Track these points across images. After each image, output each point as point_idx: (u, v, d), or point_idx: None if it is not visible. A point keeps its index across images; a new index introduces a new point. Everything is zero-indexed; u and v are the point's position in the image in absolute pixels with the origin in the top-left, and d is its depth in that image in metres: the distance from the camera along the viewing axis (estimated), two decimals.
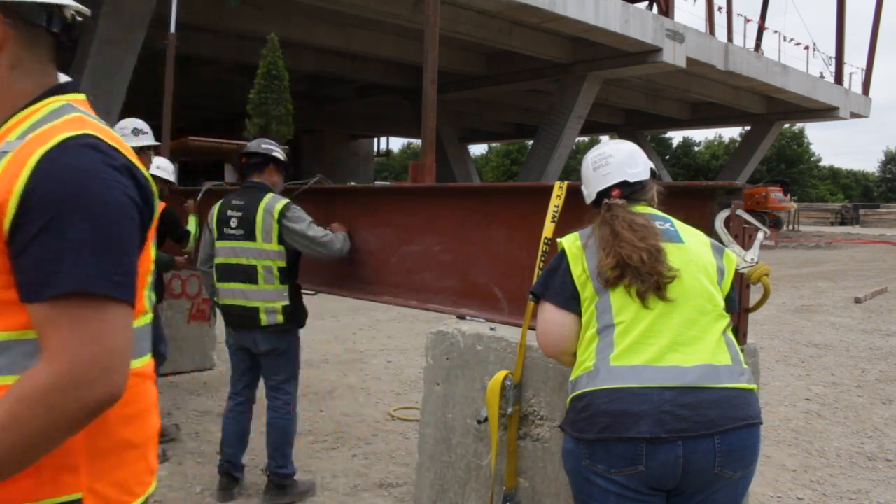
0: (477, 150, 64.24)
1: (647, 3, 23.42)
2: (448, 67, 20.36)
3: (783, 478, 4.21)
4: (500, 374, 2.52)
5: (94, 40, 13.20)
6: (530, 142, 31.05)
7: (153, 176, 5.38)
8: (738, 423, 1.75)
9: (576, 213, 2.66)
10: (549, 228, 2.58)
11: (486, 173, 60.97)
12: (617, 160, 2.10)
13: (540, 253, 2.57)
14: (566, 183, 2.65)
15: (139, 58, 14.13)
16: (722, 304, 1.89)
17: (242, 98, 10.58)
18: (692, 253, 1.91)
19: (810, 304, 10.92)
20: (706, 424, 1.72)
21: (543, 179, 22.01)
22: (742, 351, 1.92)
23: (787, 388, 6.18)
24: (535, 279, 2.55)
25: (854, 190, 67.79)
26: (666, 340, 1.78)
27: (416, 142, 54.27)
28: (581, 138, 52.30)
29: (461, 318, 3.10)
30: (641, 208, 2.02)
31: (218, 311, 3.93)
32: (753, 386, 1.84)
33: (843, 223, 44.66)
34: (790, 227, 33.09)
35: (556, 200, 2.61)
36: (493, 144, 61.44)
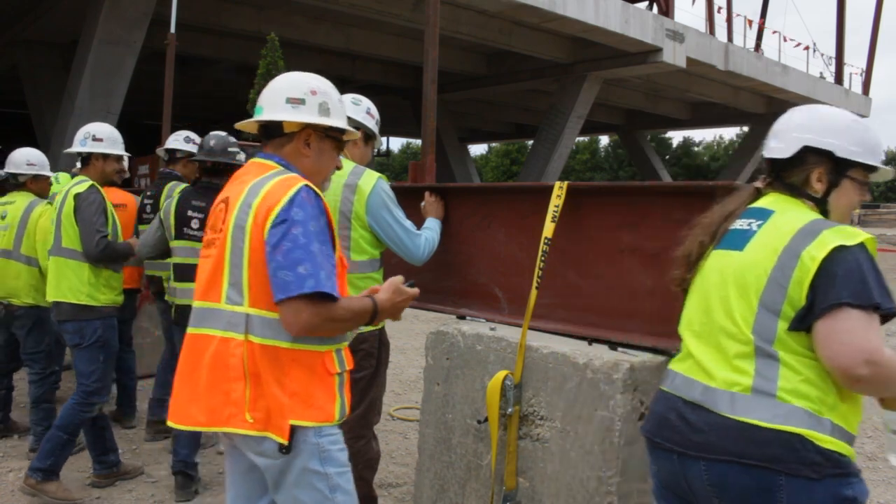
0: (477, 150, 64.18)
1: (647, 3, 23.41)
2: (448, 67, 20.35)
3: None
4: (500, 374, 2.52)
5: (94, 40, 13.20)
6: (530, 142, 31.04)
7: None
8: (726, 457, 1.61)
9: (576, 212, 2.66)
10: (549, 228, 2.58)
11: (486, 173, 60.95)
12: (774, 129, 1.84)
13: (540, 253, 2.57)
14: (566, 183, 2.64)
15: (139, 58, 14.13)
16: (750, 326, 1.65)
17: (242, 98, 10.60)
18: (740, 265, 1.71)
19: None
20: (694, 446, 1.67)
21: (543, 179, 22.01)
22: (795, 388, 1.59)
23: None
24: (535, 279, 2.55)
25: None
26: (699, 352, 1.75)
27: (416, 142, 54.25)
28: (581, 138, 52.26)
29: (461, 318, 3.11)
30: (765, 199, 1.80)
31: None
32: (776, 426, 1.57)
33: None
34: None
35: (556, 200, 2.61)
36: (493, 144, 61.43)
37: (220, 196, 2.05)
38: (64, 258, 3.73)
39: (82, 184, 3.81)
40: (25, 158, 4.57)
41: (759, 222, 1.74)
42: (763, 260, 1.66)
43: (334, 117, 2.05)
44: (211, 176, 3.77)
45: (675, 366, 1.83)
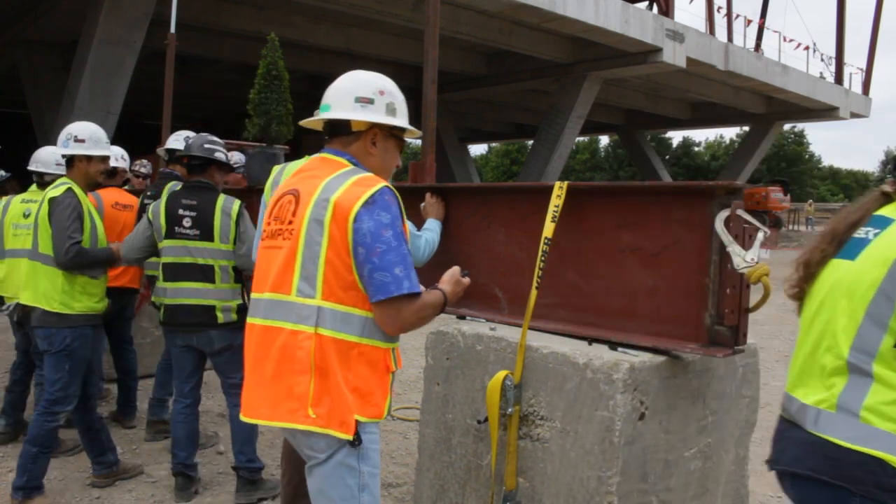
0: (477, 150, 64.22)
1: (647, 3, 23.40)
2: (448, 67, 20.34)
3: None
4: (500, 374, 2.52)
5: (94, 40, 13.19)
6: (530, 142, 31.02)
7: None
8: (806, 472, 1.62)
9: (576, 212, 2.66)
10: (549, 228, 2.58)
11: (486, 173, 60.94)
12: None
13: (540, 253, 2.57)
14: (566, 183, 2.64)
15: (139, 58, 14.12)
16: (850, 340, 1.59)
17: (242, 98, 10.61)
18: (850, 276, 1.65)
19: None
20: (785, 461, 1.69)
21: (543, 179, 22.00)
22: (879, 409, 1.54)
23: None
24: (535, 279, 2.55)
25: (854, 190, 67.72)
26: (802, 369, 1.73)
27: (416, 142, 54.25)
28: (581, 138, 52.19)
29: (461, 318, 3.10)
30: (891, 206, 1.72)
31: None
32: (854, 446, 1.54)
33: None
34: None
35: (556, 200, 2.61)
36: (493, 144, 61.42)
37: (286, 188, 2.08)
38: (40, 263, 3.64)
39: (60, 187, 3.69)
40: (55, 158, 4.48)
41: (877, 231, 1.67)
42: (872, 270, 1.59)
43: (399, 117, 2.14)
44: (198, 174, 3.77)
45: (787, 386, 1.80)
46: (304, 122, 2.26)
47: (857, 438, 1.54)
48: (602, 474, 2.29)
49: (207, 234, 3.60)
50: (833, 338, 1.62)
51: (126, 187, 5.42)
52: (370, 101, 2.06)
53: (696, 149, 61.67)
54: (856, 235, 1.71)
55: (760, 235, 2.25)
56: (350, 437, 1.87)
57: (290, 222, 1.97)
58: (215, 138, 3.88)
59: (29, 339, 4.48)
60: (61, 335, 3.58)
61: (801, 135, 58.40)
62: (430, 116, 6.33)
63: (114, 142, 5.32)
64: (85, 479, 3.98)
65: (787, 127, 47.86)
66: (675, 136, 60.81)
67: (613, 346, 2.49)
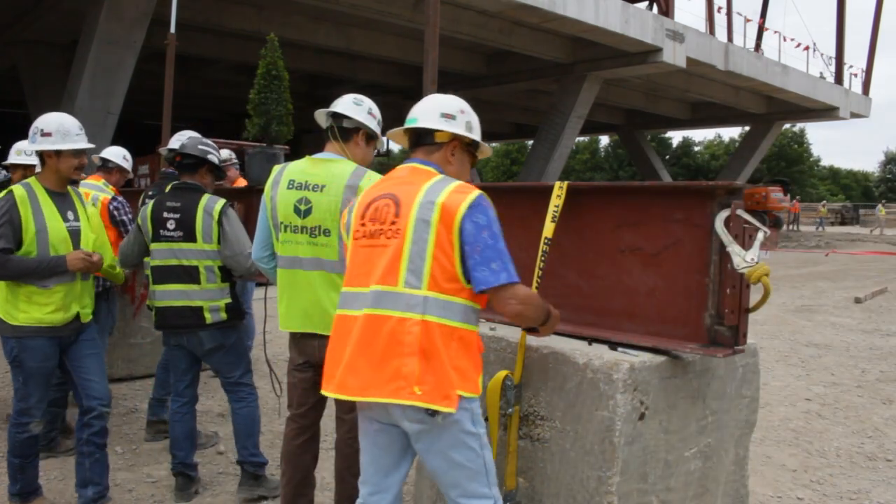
0: None
1: (647, 3, 23.40)
2: (448, 67, 20.32)
3: (783, 478, 4.22)
4: (500, 374, 2.52)
5: (94, 40, 13.19)
6: (530, 142, 31.00)
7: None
8: None
9: (576, 212, 2.67)
10: (549, 228, 2.58)
11: (486, 173, 60.94)
12: None
13: (540, 253, 2.57)
14: (566, 183, 2.65)
15: (139, 58, 14.12)
16: None
17: (242, 98, 10.63)
18: None
19: (810, 304, 10.91)
20: None
21: (543, 179, 21.99)
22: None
23: (787, 388, 6.18)
24: (535, 279, 2.56)
25: (854, 190, 67.75)
26: None
27: None
28: (581, 138, 52.18)
29: None
30: None
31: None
32: None
33: (843, 223, 44.70)
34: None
35: (556, 200, 2.61)
36: (493, 144, 61.40)
37: (378, 192, 2.31)
38: None
39: (7, 189, 3.37)
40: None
41: None
42: None
43: (475, 134, 2.42)
44: (188, 175, 3.75)
45: None
46: (390, 133, 2.56)
47: None
48: (602, 474, 2.29)
49: (190, 235, 3.59)
50: None
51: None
52: (452, 117, 2.35)
53: (695, 149, 61.66)
54: None
55: (760, 235, 2.25)
56: (453, 411, 2.07)
57: (394, 223, 2.20)
58: (209, 141, 3.89)
59: None
60: (9, 345, 3.34)
61: (801, 135, 58.39)
62: None
63: (114, 142, 5.31)
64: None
65: (786, 127, 47.83)
66: (675, 136, 60.83)
67: (613, 346, 2.50)
